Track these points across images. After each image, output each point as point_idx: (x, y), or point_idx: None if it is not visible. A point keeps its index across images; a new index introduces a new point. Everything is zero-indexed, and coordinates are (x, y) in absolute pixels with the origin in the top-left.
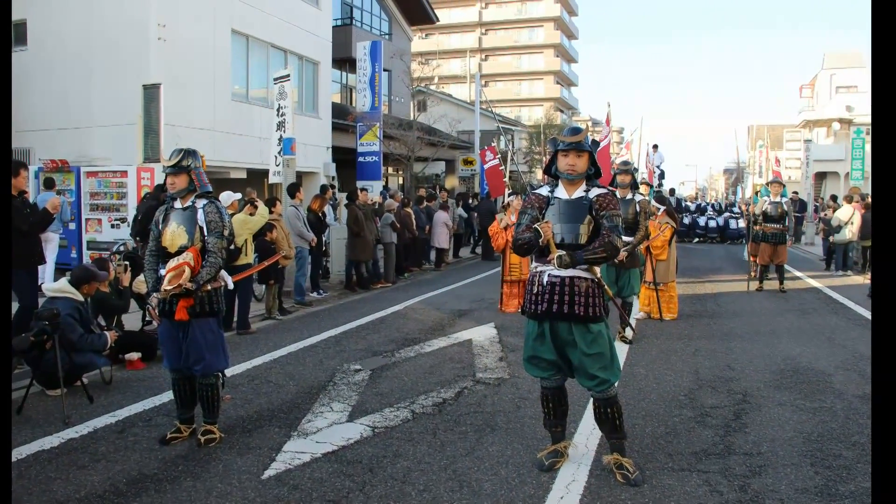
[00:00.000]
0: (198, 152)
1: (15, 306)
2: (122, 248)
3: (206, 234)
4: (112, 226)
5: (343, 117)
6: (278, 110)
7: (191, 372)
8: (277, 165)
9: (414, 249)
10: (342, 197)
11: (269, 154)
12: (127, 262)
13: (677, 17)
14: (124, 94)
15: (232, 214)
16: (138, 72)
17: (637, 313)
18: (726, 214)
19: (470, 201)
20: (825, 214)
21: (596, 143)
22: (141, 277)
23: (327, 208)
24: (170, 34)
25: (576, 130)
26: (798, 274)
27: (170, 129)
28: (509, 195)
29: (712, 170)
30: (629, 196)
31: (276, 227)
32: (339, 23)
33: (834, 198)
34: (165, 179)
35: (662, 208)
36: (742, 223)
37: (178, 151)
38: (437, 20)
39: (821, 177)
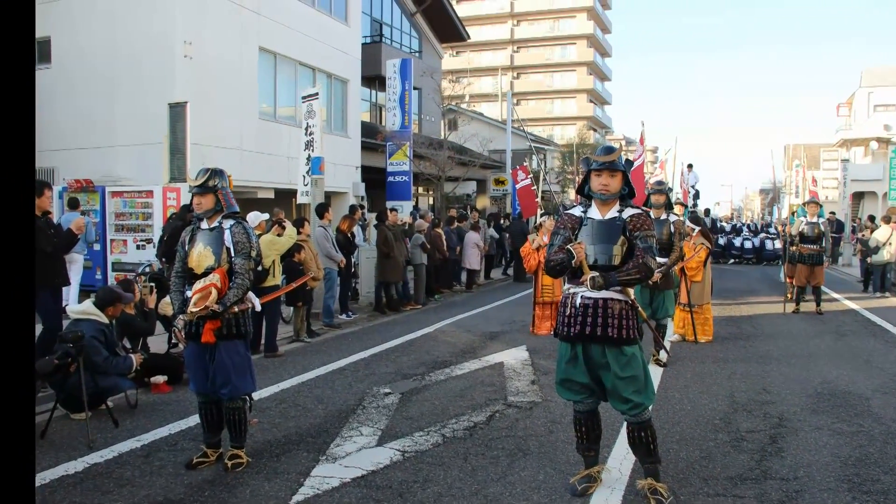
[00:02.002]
0: (225, 172)
1: (39, 328)
2: (147, 270)
3: (233, 255)
4: (137, 247)
5: (372, 136)
6: (306, 129)
7: (217, 395)
8: (306, 185)
9: (444, 271)
10: (371, 217)
11: (297, 174)
12: (153, 284)
13: (712, 35)
14: (150, 113)
15: (259, 235)
16: (164, 90)
17: (671, 335)
18: (762, 235)
19: (501, 222)
20: (863, 235)
21: (630, 163)
22: (167, 299)
23: (356, 229)
24: (196, 52)
25: (609, 150)
26: (835, 296)
27: (196, 148)
28: (541, 215)
29: (748, 189)
30: (663, 216)
31: (305, 248)
32: (368, 40)
33: (872, 218)
34: (192, 199)
35: (697, 229)
36: (778, 244)
37: (205, 171)
38: (469, 38)
39: (858, 197)
